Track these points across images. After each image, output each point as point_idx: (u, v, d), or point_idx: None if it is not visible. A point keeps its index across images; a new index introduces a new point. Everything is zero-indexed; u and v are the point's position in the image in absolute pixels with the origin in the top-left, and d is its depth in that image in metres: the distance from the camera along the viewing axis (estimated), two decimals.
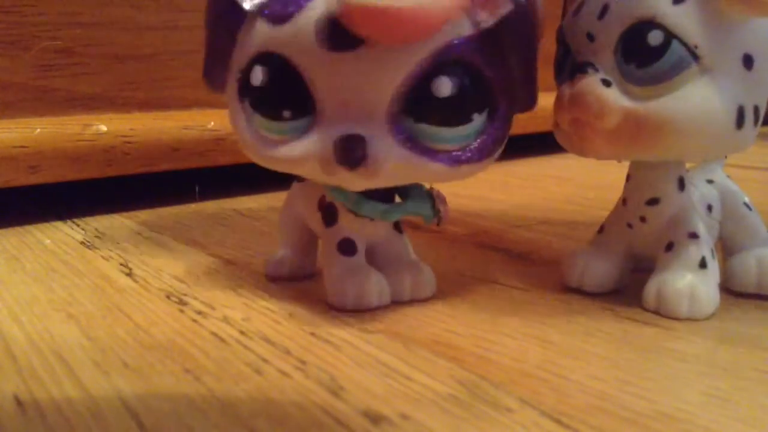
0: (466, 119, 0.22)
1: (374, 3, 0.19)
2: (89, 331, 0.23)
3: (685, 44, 0.21)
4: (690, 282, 0.24)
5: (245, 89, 0.23)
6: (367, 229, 0.26)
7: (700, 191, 0.26)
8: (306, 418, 0.17)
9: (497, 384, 0.19)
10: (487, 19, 0.21)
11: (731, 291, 0.26)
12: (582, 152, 0.24)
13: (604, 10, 0.22)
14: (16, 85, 0.40)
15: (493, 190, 0.51)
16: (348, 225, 0.25)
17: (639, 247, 0.26)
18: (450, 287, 0.28)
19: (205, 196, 0.46)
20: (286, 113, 0.22)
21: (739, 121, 0.22)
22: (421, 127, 0.21)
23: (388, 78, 0.21)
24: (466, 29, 0.21)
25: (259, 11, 0.22)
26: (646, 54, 0.21)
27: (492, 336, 0.23)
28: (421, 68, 0.21)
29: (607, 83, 0.22)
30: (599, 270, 0.26)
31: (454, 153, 0.22)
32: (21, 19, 0.40)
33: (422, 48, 0.20)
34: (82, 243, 0.35)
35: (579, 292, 0.27)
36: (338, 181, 0.22)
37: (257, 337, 0.23)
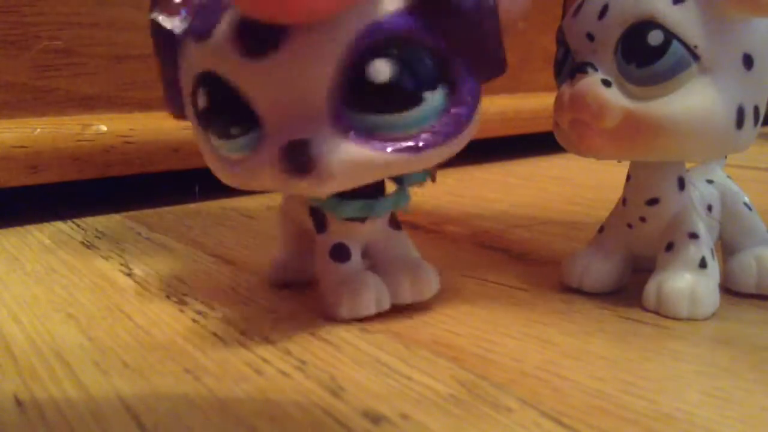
0: (417, 100, 0.20)
1: None
2: (89, 331, 0.23)
3: (685, 44, 0.21)
4: (690, 282, 0.24)
5: (196, 113, 0.21)
6: (358, 230, 0.24)
7: (699, 191, 0.26)
8: (306, 418, 0.17)
9: (497, 384, 0.19)
10: None
11: (731, 291, 0.26)
12: (582, 152, 0.24)
13: (604, 11, 0.22)
14: (16, 85, 0.40)
15: (493, 190, 0.51)
16: (338, 229, 0.24)
17: (639, 247, 0.26)
18: (450, 287, 0.28)
19: (205, 196, 0.46)
20: (234, 130, 0.20)
21: (739, 122, 0.22)
22: (367, 118, 0.19)
23: (316, 72, 0.19)
24: (393, 2, 0.19)
25: (187, 32, 0.21)
26: (646, 54, 0.21)
27: (492, 336, 0.23)
28: (350, 55, 0.19)
29: (606, 83, 0.22)
30: (599, 270, 0.26)
31: (412, 139, 0.20)
32: (21, 19, 0.40)
33: (345, 33, 0.19)
34: (82, 243, 0.35)
35: (579, 292, 0.27)
36: (298, 191, 0.21)
37: (257, 337, 0.23)
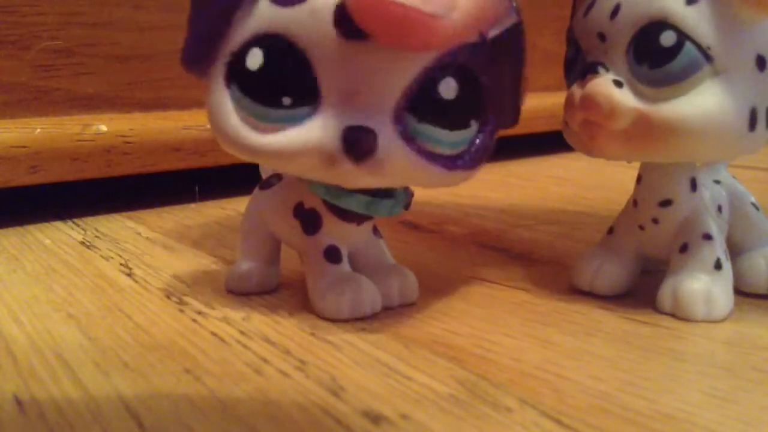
0: (466, 124, 0.22)
1: None
2: (89, 331, 0.23)
3: (698, 45, 0.21)
4: (706, 283, 0.24)
5: (237, 73, 0.21)
6: (351, 233, 0.25)
7: (710, 192, 0.26)
8: (306, 418, 0.17)
9: (497, 384, 0.19)
10: (492, 29, 0.21)
11: (738, 291, 0.26)
12: (592, 153, 0.24)
13: (616, 10, 0.22)
14: (16, 85, 0.40)
15: (493, 190, 0.51)
16: (332, 231, 0.25)
17: (650, 248, 0.26)
18: (450, 287, 0.28)
19: (205, 196, 0.46)
20: (286, 100, 0.20)
21: (752, 123, 0.22)
22: (423, 128, 0.21)
23: (400, 72, 0.20)
24: (472, 36, 0.21)
25: None
26: (658, 55, 0.21)
27: (492, 336, 0.23)
28: (429, 68, 0.20)
29: (618, 84, 0.22)
30: (611, 272, 0.26)
31: (450, 157, 0.22)
32: (21, 19, 0.40)
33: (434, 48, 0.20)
34: (82, 243, 0.35)
35: (579, 292, 0.27)
36: (334, 177, 0.21)
37: (257, 337, 0.23)
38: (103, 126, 0.41)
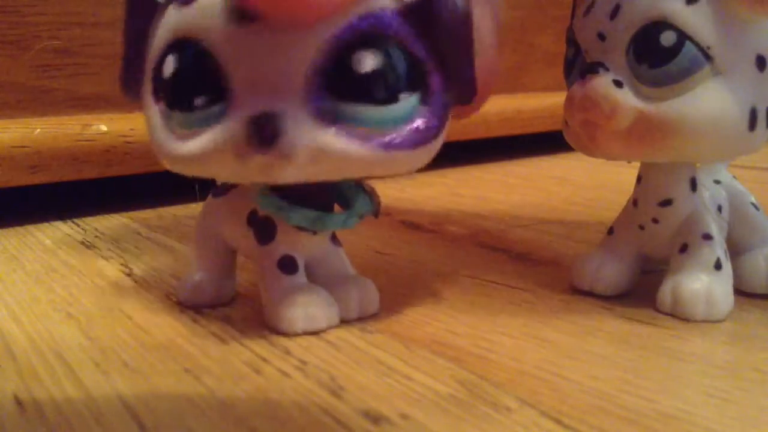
0: (392, 98, 0.20)
1: None
2: (89, 331, 0.23)
3: (698, 45, 0.21)
4: (706, 283, 0.24)
5: (159, 85, 0.21)
6: (307, 242, 0.24)
7: (710, 192, 0.26)
8: (306, 418, 0.17)
9: (497, 384, 0.19)
10: None
11: (738, 291, 0.26)
12: (592, 153, 0.24)
13: (616, 10, 0.22)
14: (16, 85, 0.40)
15: (493, 190, 0.51)
16: (286, 240, 0.23)
17: (650, 248, 0.26)
18: (450, 287, 0.28)
19: (205, 196, 0.46)
20: (198, 101, 0.19)
21: (752, 123, 0.22)
22: (343, 106, 0.19)
23: (300, 48, 0.19)
24: (388, 1, 0.20)
25: None
26: (658, 55, 0.21)
27: (492, 336, 0.23)
28: (337, 40, 0.19)
29: (618, 84, 0.22)
30: (611, 272, 0.26)
31: (382, 137, 0.20)
32: (21, 19, 0.40)
33: (338, 18, 0.19)
34: (82, 243, 0.35)
35: (579, 292, 0.27)
36: (251, 174, 0.19)
37: (257, 337, 0.23)
38: (103, 126, 0.41)
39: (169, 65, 0.20)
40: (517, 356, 0.21)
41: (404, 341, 0.22)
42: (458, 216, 0.42)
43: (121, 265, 0.31)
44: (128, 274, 0.30)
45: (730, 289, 0.24)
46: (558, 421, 0.17)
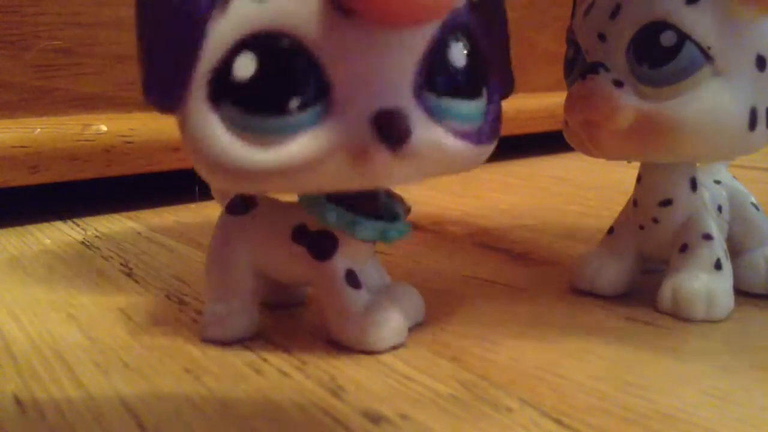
0: (479, 92, 0.19)
1: None
2: (89, 331, 0.23)
3: (698, 45, 0.21)
4: (706, 283, 0.24)
5: (225, 88, 0.18)
6: (366, 254, 0.23)
7: (710, 192, 0.26)
8: (306, 418, 0.17)
9: (497, 384, 0.19)
10: None
11: (738, 291, 0.26)
12: (592, 153, 0.24)
13: (616, 11, 0.22)
14: (16, 85, 0.40)
15: (493, 190, 0.51)
16: (348, 253, 0.22)
17: (650, 248, 0.26)
18: (450, 287, 0.28)
19: (205, 196, 0.46)
20: (294, 103, 0.17)
21: (752, 123, 0.22)
22: (444, 103, 0.18)
23: (411, 44, 0.18)
24: None
25: None
26: (658, 55, 0.21)
27: (492, 336, 0.23)
28: (434, 36, 0.18)
29: (618, 84, 0.22)
30: (611, 272, 0.26)
31: (474, 132, 0.19)
32: (21, 19, 0.40)
33: None
34: (82, 243, 0.35)
35: (579, 292, 0.27)
36: (365, 177, 0.18)
37: (257, 337, 0.23)
38: (103, 126, 0.41)
39: (248, 65, 0.17)
40: (517, 356, 0.21)
41: (404, 341, 0.22)
42: (458, 216, 0.42)
43: (121, 265, 0.31)
44: (128, 274, 0.30)
45: (730, 289, 0.24)
46: (558, 421, 0.17)
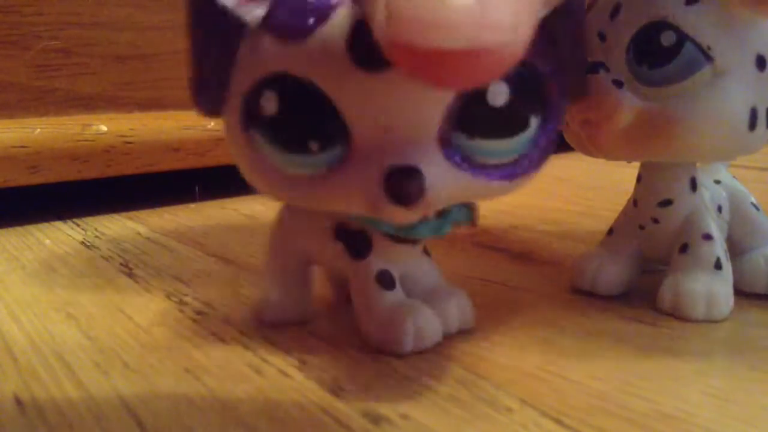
0: (524, 126, 0.18)
1: (427, 42, 0.13)
2: (89, 331, 0.23)
3: (698, 45, 0.21)
4: (706, 283, 0.24)
5: (253, 118, 0.18)
6: (403, 256, 0.22)
7: (710, 192, 0.26)
8: (306, 418, 0.17)
9: (497, 384, 0.19)
10: (542, 9, 0.17)
11: (737, 291, 0.26)
12: (592, 153, 0.24)
13: (616, 10, 0.22)
14: (16, 85, 0.40)
15: None
16: (383, 254, 0.22)
17: (650, 248, 0.26)
18: None
19: (205, 196, 0.46)
20: (314, 144, 0.18)
21: (752, 123, 0.22)
22: (474, 144, 0.18)
23: (438, 95, 0.17)
24: None
25: (266, 25, 0.17)
26: (658, 55, 0.21)
27: (492, 336, 0.23)
28: None
29: (618, 84, 0.22)
30: (612, 273, 0.26)
31: (509, 165, 0.19)
32: (21, 19, 0.40)
33: None
34: (82, 243, 0.35)
35: (579, 292, 0.27)
36: (388, 221, 0.19)
37: (257, 337, 0.23)
38: (103, 126, 0.41)
39: (271, 102, 0.18)
40: (518, 356, 0.21)
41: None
42: None
43: (121, 265, 0.31)
44: (128, 274, 0.30)
45: (730, 289, 0.24)
46: (558, 421, 0.17)
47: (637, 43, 0.22)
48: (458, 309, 0.23)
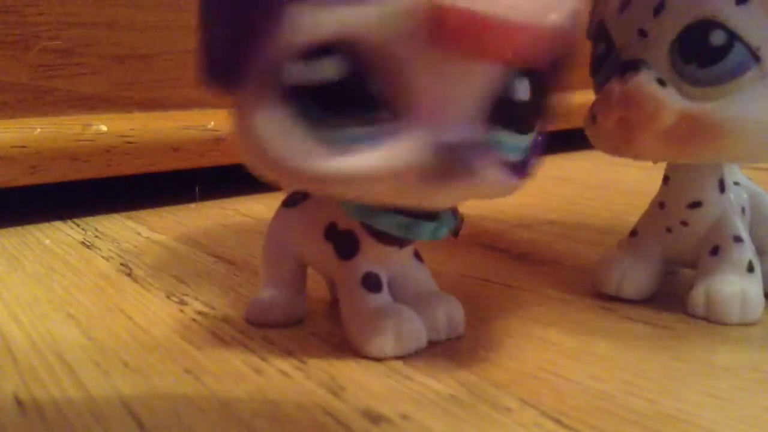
0: (533, 125, 0.19)
1: (484, 10, 0.15)
2: (89, 331, 0.23)
3: (747, 46, 0.21)
4: (740, 286, 0.23)
5: (293, 86, 0.17)
6: (391, 257, 0.22)
7: (734, 194, 0.26)
8: (306, 418, 0.17)
9: (497, 384, 0.19)
10: (553, 15, 0.18)
11: None
12: (623, 153, 0.23)
13: (660, 7, 0.22)
14: (16, 85, 0.40)
15: None
16: (370, 255, 0.22)
17: (677, 251, 0.25)
18: (450, 287, 0.28)
19: (205, 196, 0.46)
20: (368, 115, 0.17)
21: None
22: (502, 136, 0.18)
23: (486, 76, 0.17)
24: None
25: None
26: (707, 54, 0.21)
27: (492, 336, 0.23)
28: (500, 70, 0.18)
29: (662, 82, 0.22)
30: (638, 276, 0.25)
31: (518, 164, 0.19)
32: (21, 19, 0.40)
33: None
34: (82, 243, 0.35)
35: (579, 292, 0.27)
36: (418, 198, 0.18)
37: (257, 337, 0.23)
38: (103, 126, 0.41)
39: (325, 68, 0.17)
40: (518, 356, 0.21)
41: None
42: None
43: (121, 265, 0.31)
44: (128, 274, 0.30)
45: (762, 291, 0.24)
46: (558, 421, 0.17)
47: (684, 41, 0.21)
48: (446, 316, 0.22)
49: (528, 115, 0.19)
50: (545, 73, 0.19)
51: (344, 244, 0.22)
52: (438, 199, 0.18)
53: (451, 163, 0.17)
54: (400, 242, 0.22)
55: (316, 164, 0.17)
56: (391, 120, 0.17)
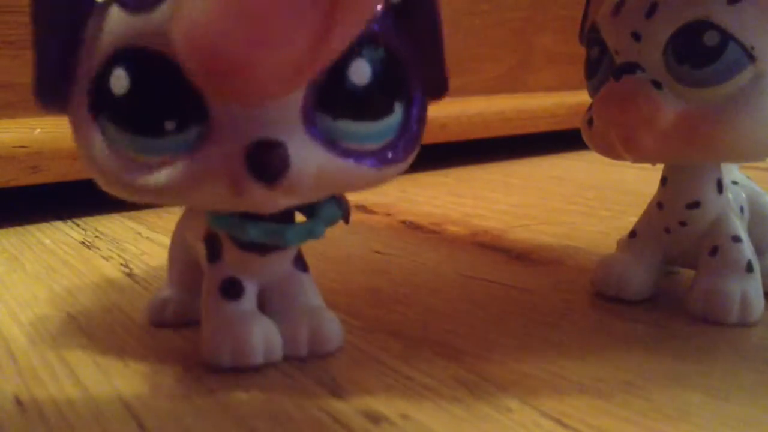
0: (389, 110, 0.18)
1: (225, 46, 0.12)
2: (89, 331, 0.23)
3: (741, 45, 0.21)
4: (739, 286, 0.23)
5: (101, 100, 0.17)
6: (258, 264, 0.21)
7: (733, 193, 0.26)
8: (306, 418, 0.17)
9: (497, 384, 0.19)
10: None
11: None
12: (621, 155, 0.23)
13: (653, 9, 0.22)
14: (16, 85, 0.40)
15: (493, 190, 0.51)
16: (234, 261, 0.20)
17: (676, 251, 0.25)
18: (450, 287, 0.28)
19: None
20: (169, 125, 0.16)
21: None
22: (340, 125, 0.17)
23: None
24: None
25: None
26: (701, 55, 0.21)
27: (492, 336, 0.23)
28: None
29: (657, 84, 0.22)
30: (638, 277, 0.25)
31: (378, 152, 0.18)
32: (21, 19, 0.40)
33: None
34: (82, 243, 0.35)
35: (579, 292, 0.27)
36: (245, 205, 0.17)
37: None
38: None
39: (121, 80, 0.16)
40: (518, 356, 0.21)
41: (404, 341, 0.22)
42: (458, 216, 0.42)
43: (121, 265, 0.31)
44: (128, 274, 0.30)
45: (761, 291, 0.24)
46: (558, 421, 0.17)
47: (677, 42, 0.21)
48: (310, 331, 0.21)
49: (372, 99, 0.17)
50: (400, 43, 0.18)
51: (211, 247, 0.21)
52: (262, 205, 0.17)
53: (257, 166, 0.16)
54: (261, 250, 0.20)
55: (131, 181, 0.17)
56: (199, 125, 0.16)
